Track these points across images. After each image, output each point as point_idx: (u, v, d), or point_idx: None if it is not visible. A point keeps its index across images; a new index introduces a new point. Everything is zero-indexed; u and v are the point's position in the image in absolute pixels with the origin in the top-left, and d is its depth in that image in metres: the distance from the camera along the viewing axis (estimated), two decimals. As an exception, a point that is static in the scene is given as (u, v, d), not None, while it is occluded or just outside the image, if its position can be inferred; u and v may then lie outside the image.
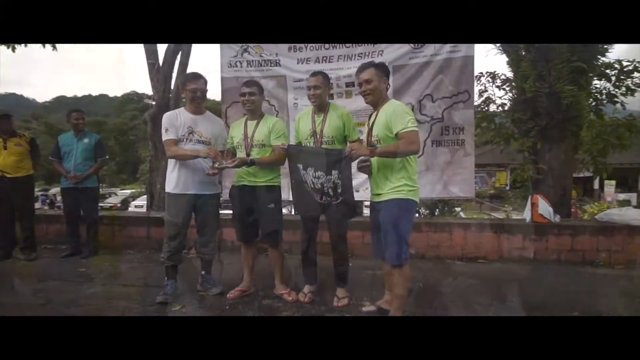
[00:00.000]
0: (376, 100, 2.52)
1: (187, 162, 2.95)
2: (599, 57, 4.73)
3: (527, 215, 4.32)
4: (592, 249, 4.06)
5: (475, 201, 19.09)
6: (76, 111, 4.53)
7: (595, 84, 5.06)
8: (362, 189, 4.32)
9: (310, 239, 3.03)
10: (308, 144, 2.87)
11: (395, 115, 2.35)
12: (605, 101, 5.09)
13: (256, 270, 3.26)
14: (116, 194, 25.73)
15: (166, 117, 2.97)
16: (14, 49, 7.06)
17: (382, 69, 2.53)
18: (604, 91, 5.05)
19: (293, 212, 3.16)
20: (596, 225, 4.15)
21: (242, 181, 3.00)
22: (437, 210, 8.32)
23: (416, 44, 4.70)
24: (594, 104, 5.06)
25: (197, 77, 3.03)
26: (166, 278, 3.06)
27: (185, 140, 2.95)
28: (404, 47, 4.75)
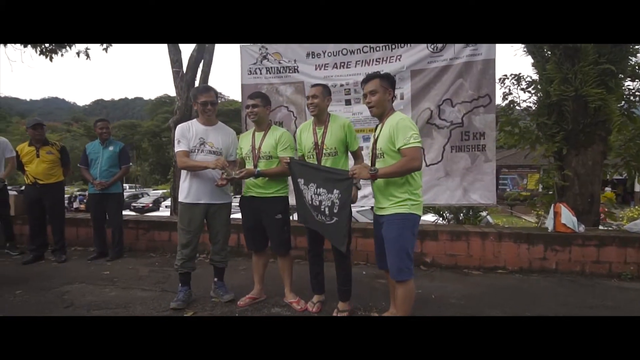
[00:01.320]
0: (381, 112, 2.47)
1: (198, 172, 3.01)
2: (630, 57, 4.48)
3: (549, 224, 4.15)
4: (619, 261, 3.85)
5: (505, 204, 18.52)
6: (101, 121, 4.73)
7: (628, 85, 4.81)
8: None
9: (315, 248, 3.03)
10: (312, 156, 2.86)
11: (398, 130, 2.29)
12: (638, 103, 4.83)
13: (268, 278, 3.30)
14: (148, 195, 26.64)
15: (179, 129, 3.06)
16: (51, 59, 7.46)
17: (388, 80, 2.47)
18: (637, 93, 4.79)
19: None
20: (624, 235, 3.93)
21: (250, 192, 3.04)
22: (461, 214, 8.09)
23: (435, 48, 4.61)
24: (625, 106, 4.80)
25: (208, 89, 3.10)
26: (180, 285, 3.15)
27: (197, 151, 3.01)
28: (423, 51, 4.67)
